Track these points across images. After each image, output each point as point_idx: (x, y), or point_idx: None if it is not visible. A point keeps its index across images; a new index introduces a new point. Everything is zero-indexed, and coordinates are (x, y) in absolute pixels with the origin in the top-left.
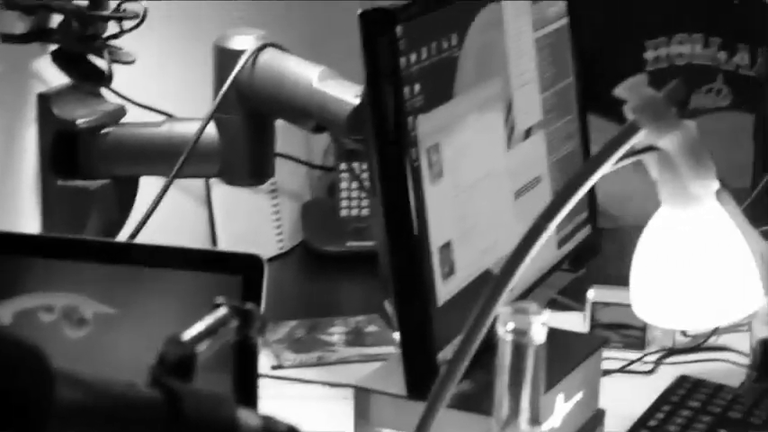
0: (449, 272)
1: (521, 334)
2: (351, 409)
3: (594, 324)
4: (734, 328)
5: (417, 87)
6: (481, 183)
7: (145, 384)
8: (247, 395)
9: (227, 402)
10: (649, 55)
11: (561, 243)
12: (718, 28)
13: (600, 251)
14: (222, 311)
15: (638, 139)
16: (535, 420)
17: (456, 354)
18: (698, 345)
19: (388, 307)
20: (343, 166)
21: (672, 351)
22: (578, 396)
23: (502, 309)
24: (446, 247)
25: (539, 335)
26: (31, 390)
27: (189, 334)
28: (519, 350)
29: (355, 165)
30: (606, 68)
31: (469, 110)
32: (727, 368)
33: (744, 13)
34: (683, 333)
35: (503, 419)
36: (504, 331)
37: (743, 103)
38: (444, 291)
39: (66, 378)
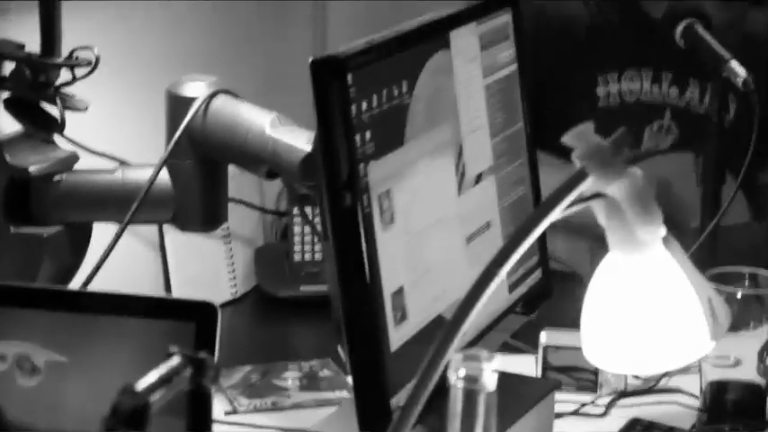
0: (401, 317)
1: (472, 381)
2: None
3: (547, 367)
4: (684, 371)
5: (368, 134)
6: (433, 228)
7: None
8: None
9: None
10: (600, 91)
11: (513, 287)
12: (669, 63)
13: (551, 295)
14: (175, 360)
15: (586, 186)
16: None
17: (409, 399)
18: (649, 387)
19: (342, 352)
20: (296, 210)
21: (624, 393)
22: None
23: (453, 355)
24: (398, 292)
25: (490, 381)
26: None
27: (142, 384)
28: (470, 397)
29: (308, 209)
30: (559, 104)
31: (420, 156)
32: (679, 410)
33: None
34: (635, 376)
35: None
36: (456, 378)
37: (691, 141)
38: (397, 336)
39: (21, 430)
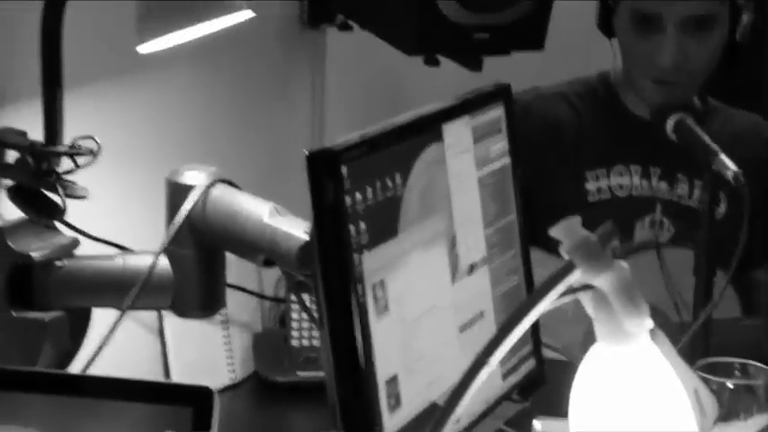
0: (395, 404)
1: None
2: None
3: None
4: None
5: (363, 225)
6: (426, 317)
7: None
8: None
9: None
10: (591, 186)
11: (506, 375)
12: (657, 158)
13: (545, 382)
14: None
15: (575, 278)
16: None
17: None
18: None
19: None
20: (293, 297)
21: None
22: None
23: None
24: (392, 380)
25: None
26: None
27: None
28: None
29: (306, 296)
30: (548, 200)
31: (414, 246)
32: None
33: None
34: None
35: None
36: None
37: (685, 235)
38: (391, 423)
39: None
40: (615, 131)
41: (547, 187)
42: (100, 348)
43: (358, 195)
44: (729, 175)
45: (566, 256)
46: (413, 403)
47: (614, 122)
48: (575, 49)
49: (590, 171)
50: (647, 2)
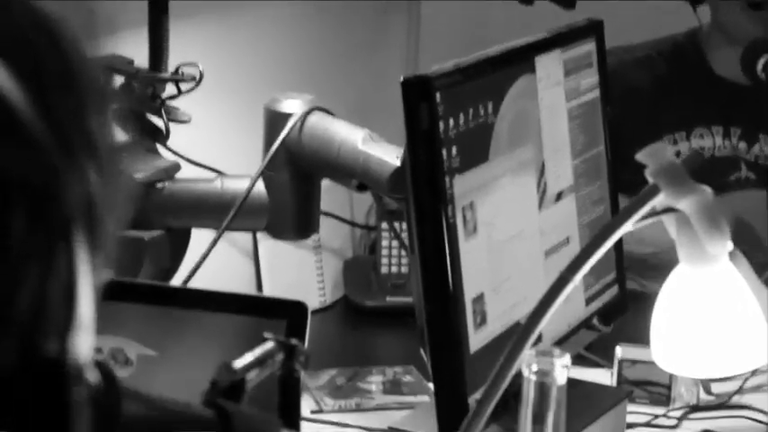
0: (481, 322)
1: (544, 374)
2: None
3: (621, 380)
4: (756, 389)
5: (454, 150)
6: (513, 240)
7: (200, 404)
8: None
9: (273, 423)
10: (671, 150)
11: (589, 300)
12: (738, 118)
13: (627, 310)
14: (269, 345)
15: (658, 201)
16: None
17: (484, 394)
18: (721, 403)
19: (424, 355)
20: (384, 225)
21: (696, 408)
22: None
23: (527, 352)
24: (479, 298)
25: (561, 376)
26: (103, 403)
27: (239, 363)
28: (542, 390)
29: (396, 224)
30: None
31: (503, 172)
32: (749, 425)
33: (762, 102)
34: (708, 392)
35: None
36: (529, 372)
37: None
38: (476, 339)
39: (131, 394)
40: (698, 92)
41: (625, 148)
42: (198, 266)
43: (451, 121)
44: None
45: (650, 180)
46: (498, 322)
47: (698, 83)
48: None
49: (668, 135)
50: None
